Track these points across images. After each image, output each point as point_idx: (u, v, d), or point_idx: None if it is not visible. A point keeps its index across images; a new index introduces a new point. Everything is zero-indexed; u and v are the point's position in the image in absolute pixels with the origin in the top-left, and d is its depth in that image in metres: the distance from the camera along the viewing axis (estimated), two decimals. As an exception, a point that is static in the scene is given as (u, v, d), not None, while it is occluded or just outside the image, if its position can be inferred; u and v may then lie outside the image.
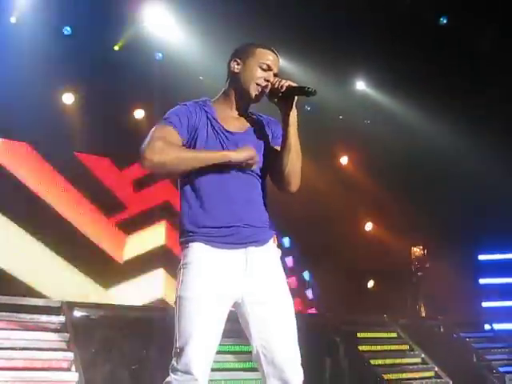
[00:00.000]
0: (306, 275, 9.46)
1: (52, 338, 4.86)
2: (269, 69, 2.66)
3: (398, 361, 6.33)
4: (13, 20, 6.81)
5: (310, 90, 2.53)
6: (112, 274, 7.70)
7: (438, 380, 6.18)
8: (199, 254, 2.52)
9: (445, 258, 9.24)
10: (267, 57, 2.68)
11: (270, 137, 2.72)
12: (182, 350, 2.44)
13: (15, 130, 7.07)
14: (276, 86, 2.58)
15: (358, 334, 6.45)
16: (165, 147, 2.47)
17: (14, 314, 4.85)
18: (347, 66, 8.51)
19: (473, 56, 7.99)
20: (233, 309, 2.58)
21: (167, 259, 7.84)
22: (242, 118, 2.72)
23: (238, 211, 2.55)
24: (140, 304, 7.55)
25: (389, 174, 9.07)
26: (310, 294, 9.46)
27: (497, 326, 8.24)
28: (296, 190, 2.68)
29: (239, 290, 2.53)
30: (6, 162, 7.24)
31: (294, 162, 2.61)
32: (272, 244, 2.66)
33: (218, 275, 2.50)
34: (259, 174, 2.66)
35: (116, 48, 7.35)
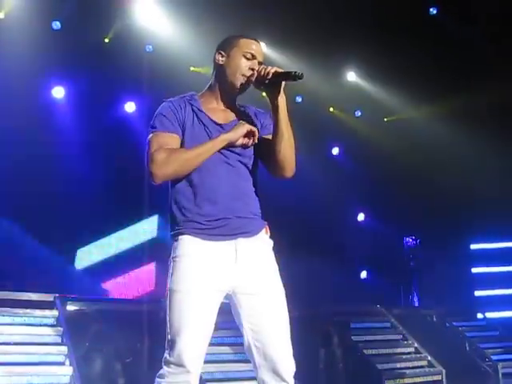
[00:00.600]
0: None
1: (46, 332, 4.86)
2: (253, 57, 2.67)
3: (391, 350, 6.37)
4: (1, 15, 6.75)
5: (296, 73, 2.53)
6: (104, 267, 7.68)
7: (432, 369, 6.22)
8: (189, 246, 2.52)
9: (437, 247, 9.28)
10: (251, 46, 2.69)
11: (258, 127, 2.71)
12: (173, 342, 2.45)
13: (4, 125, 7.02)
14: (262, 73, 2.58)
15: (352, 325, 6.48)
16: (167, 157, 2.49)
17: (8, 309, 4.84)
18: (338, 57, 8.51)
19: (464, 46, 7.99)
20: (226, 301, 2.58)
21: (159, 252, 7.84)
22: (229, 110, 2.72)
23: (226, 203, 2.55)
24: (132, 297, 7.56)
25: (381, 165, 9.09)
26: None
27: (489, 315, 8.29)
28: (292, 174, 2.68)
29: (230, 282, 2.53)
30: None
31: (286, 147, 2.61)
32: (263, 235, 2.65)
33: (208, 267, 2.50)
34: (250, 164, 2.66)
35: (106, 40, 7.31)
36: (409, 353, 6.44)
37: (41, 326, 4.91)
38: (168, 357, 2.46)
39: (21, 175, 6.79)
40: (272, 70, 2.57)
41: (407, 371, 6.05)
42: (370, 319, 6.79)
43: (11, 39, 6.60)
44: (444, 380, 6.06)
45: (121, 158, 7.24)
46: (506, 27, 7.64)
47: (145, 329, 4.97)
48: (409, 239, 10.06)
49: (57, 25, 6.98)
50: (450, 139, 8.47)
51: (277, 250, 2.67)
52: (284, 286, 2.61)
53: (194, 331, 2.45)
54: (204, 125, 2.61)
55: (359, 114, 9.56)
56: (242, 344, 2.57)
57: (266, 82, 2.58)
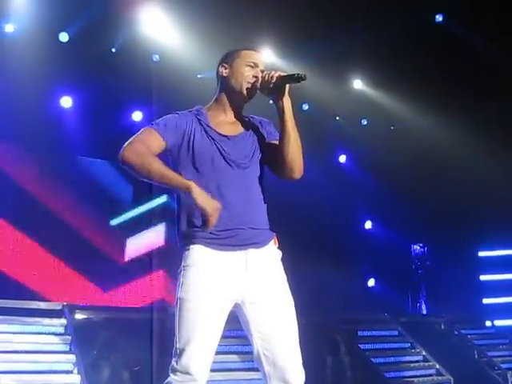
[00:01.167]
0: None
1: (54, 340, 4.90)
2: (256, 66, 2.72)
3: (399, 359, 6.37)
4: (9, 27, 6.82)
5: (299, 75, 2.57)
6: (112, 276, 7.70)
7: (440, 377, 6.20)
8: (199, 256, 2.54)
9: (445, 255, 9.26)
10: (253, 56, 2.75)
11: (265, 135, 2.75)
12: (181, 350, 2.46)
13: (14, 134, 7.08)
14: (266, 78, 2.63)
15: (359, 333, 6.48)
16: (141, 152, 2.54)
17: (16, 318, 4.88)
18: (344, 65, 8.52)
19: (471, 53, 7.99)
20: (233, 309, 2.59)
21: (168, 261, 7.85)
22: (236, 122, 2.75)
23: (237, 213, 2.57)
24: (141, 306, 7.57)
25: (388, 172, 9.07)
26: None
27: (498, 323, 8.27)
28: (300, 175, 2.70)
29: (239, 292, 2.54)
30: (5, 166, 7.24)
31: (294, 149, 2.64)
32: (273, 245, 2.67)
33: (218, 277, 2.52)
34: (258, 173, 2.69)
35: (113, 50, 7.35)
36: (417, 361, 6.43)
37: (49, 334, 4.95)
38: (175, 365, 2.47)
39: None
40: (276, 74, 2.62)
41: (415, 380, 6.05)
42: (377, 327, 6.79)
43: (20, 50, 6.65)
44: (452, 388, 6.04)
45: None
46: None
47: (153, 337, 4.98)
48: (416, 247, 10.05)
49: (64, 36, 7.03)
50: (458, 147, 8.46)
51: (284, 258, 2.69)
52: (292, 294, 2.62)
53: (202, 340, 2.46)
54: (213, 139, 2.64)
55: (366, 121, 9.55)
56: (248, 352, 2.59)
57: (271, 86, 2.62)
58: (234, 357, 5.18)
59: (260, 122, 2.81)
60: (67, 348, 4.86)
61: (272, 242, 2.66)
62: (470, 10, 7.59)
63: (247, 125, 2.76)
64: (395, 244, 9.53)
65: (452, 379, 6.12)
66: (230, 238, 2.55)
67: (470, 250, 9.43)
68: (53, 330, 5.00)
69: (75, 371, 4.61)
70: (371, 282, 9.93)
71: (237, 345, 5.15)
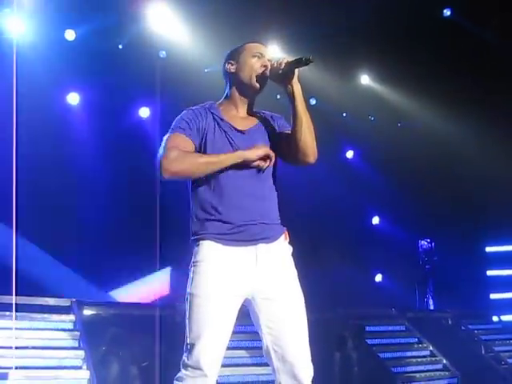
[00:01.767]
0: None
1: (63, 336, 4.93)
2: (262, 56, 2.73)
3: (406, 354, 6.37)
4: (17, 26, 6.82)
5: (307, 58, 2.58)
6: (121, 272, 7.72)
7: (447, 372, 6.21)
8: (210, 252, 2.55)
9: (452, 250, 9.25)
10: (258, 47, 2.76)
11: (276, 129, 2.76)
12: (192, 346, 2.48)
13: (21, 131, 7.10)
14: (275, 65, 2.64)
15: (367, 328, 6.48)
16: (180, 156, 2.53)
17: (25, 314, 4.90)
18: (351, 60, 8.51)
19: (479, 48, 7.95)
20: (244, 304, 2.61)
21: (176, 257, 7.87)
22: (248, 117, 2.76)
23: (247, 209, 2.58)
24: (149, 302, 7.60)
25: (395, 168, 9.07)
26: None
27: (505, 318, 8.26)
28: (314, 160, 2.70)
29: (250, 287, 2.56)
30: (11, 163, 7.26)
31: (307, 134, 2.64)
32: (283, 240, 2.67)
33: (229, 273, 2.53)
34: (271, 168, 2.69)
35: (120, 46, 7.37)
36: (424, 356, 6.43)
37: (58, 330, 4.98)
38: (186, 360, 2.49)
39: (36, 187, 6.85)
40: (284, 60, 2.63)
41: (422, 374, 6.05)
42: (385, 322, 6.79)
43: (27, 48, 6.67)
44: (459, 383, 6.04)
45: (135, 161, 7.28)
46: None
47: (161, 333, 5.00)
48: (424, 242, 10.04)
49: (71, 33, 7.05)
50: (465, 142, 8.45)
51: (293, 253, 2.70)
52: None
53: (212, 336, 2.49)
54: (225, 132, 2.65)
55: (373, 117, 9.54)
56: (257, 348, 2.60)
57: (280, 72, 2.63)
58: (243, 352, 5.20)
59: (271, 117, 2.82)
60: (76, 344, 4.88)
61: (283, 236, 2.67)
62: (478, 4, 7.56)
63: (259, 119, 2.77)
64: (402, 239, 9.54)
65: (459, 374, 6.12)
66: (240, 233, 2.56)
67: (477, 245, 9.42)
68: (61, 326, 5.03)
69: (84, 367, 4.64)
70: (378, 278, 9.94)
71: (245, 340, 5.16)
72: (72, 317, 5.08)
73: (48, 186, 7.03)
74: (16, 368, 4.39)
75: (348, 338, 6.04)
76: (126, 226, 7.51)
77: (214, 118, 2.67)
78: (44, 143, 7.08)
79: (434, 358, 6.38)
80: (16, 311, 4.85)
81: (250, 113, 2.78)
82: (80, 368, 4.65)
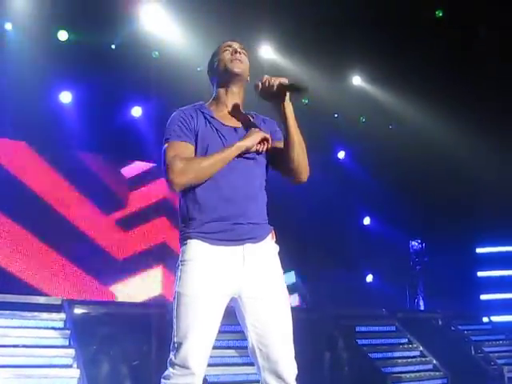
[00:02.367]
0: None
1: (53, 335, 4.92)
2: (230, 47, 2.78)
3: (396, 354, 6.39)
4: (8, 26, 6.83)
5: (301, 86, 2.56)
6: (111, 271, 7.73)
7: (437, 373, 6.24)
8: (197, 251, 2.56)
9: (443, 251, 9.28)
10: (226, 43, 2.81)
11: (268, 131, 2.76)
12: (179, 344, 2.49)
13: (13, 129, 7.10)
14: (267, 84, 2.62)
15: (357, 328, 6.51)
16: (184, 166, 2.55)
17: (16, 312, 4.90)
18: (343, 61, 8.52)
19: (470, 48, 7.97)
20: (230, 303, 2.62)
21: (166, 256, 7.88)
22: (238, 115, 2.77)
23: (236, 208, 2.58)
24: (140, 301, 7.60)
25: (386, 169, 9.10)
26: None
27: (495, 319, 8.29)
28: (307, 177, 2.75)
29: (236, 286, 2.56)
30: (4, 161, 7.27)
31: (299, 153, 2.67)
32: (270, 240, 2.68)
33: (216, 272, 2.54)
34: (262, 166, 2.72)
35: (113, 46, 7.36)
36: (414, 356, 6.46)
37: (48, 328, 4.97)
38: (173, 358, 2.50)
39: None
40: (276, 81, 2.60)
41: (412, 375, 6.07)
42: (375, 323, 6.81)
43: (19, 46, 6.67)
44: None
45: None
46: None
47: (151, 332, 5.01)
48: (415, 243, 10.08)
49: (64, 33, 7.04)
50: (456, 144, 8.47)
51: (282, 254, 2.71)
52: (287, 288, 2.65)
53: (200, 334, 2.49)
54: (217, 130, 2.66)
55: (364, 118, 9.56)
56: (246, 347, 2.60)
57: (272, 92, 2.61)
58: (232, 351, 5.20)
59: (263, 120, 2.83)
60: (66, 342, 4.88)
61: (269, 236, 2.68)
62: (470, 5, 7.57)
63: (250, 119, 2.79)
64: (393, 240, 9.56)
65: (449, 374, 6.15)
66: (228, 232, 2.56)
67: (467, 246, 9.45)
68: (52, 324, 5.03)
69: (74, 365, 4.63)
70: (369, 278, 9.96)
71: (234, 340, 5.17)
72: (63, 315, 5.08)
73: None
74: (5, 366, 4.39)
75: (338, 338, 6.07)
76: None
77: (204, 117, 2.69)
78: (36, 140, 7.10)
79: (424, 359, 6.41)
80: (6, 309, 4.86)
81: (240, 111, 2.79)
82: (70, 367, 4.65)
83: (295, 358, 2.59)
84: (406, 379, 5.97)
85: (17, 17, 6.72)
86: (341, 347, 6.03)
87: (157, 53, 7.55)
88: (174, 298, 2.55)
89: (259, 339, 2.56)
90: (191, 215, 2.59)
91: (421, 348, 6.50)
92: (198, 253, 2.55)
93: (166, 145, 2.64)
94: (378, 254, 9.34)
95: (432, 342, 6.64)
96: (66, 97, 7.59)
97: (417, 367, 6.29)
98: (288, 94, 2.60)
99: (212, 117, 2.69)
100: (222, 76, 2.76)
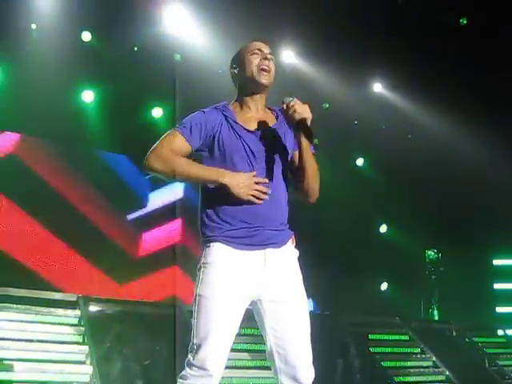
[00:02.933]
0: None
1: (68, 331, 4.97)
2: (260, 51, 2.75)
3: (409, 363, 6.36)
4: (33, 26, 6.91)
5: (311, 138, 2.61)
6: (127, 269, 7.77)
7: (449, 384, 6.19)
8: (220, 254, 2.58)
9: (459, 261, 9.21)
10: (254, 45, 2.78)
11: (288, 132, 2.75)
12: (198, 346, 2.50)
13: (35, 127, 7.17)
14: (290, 112, 2.62)
15: (370, 336, 6.49)
16: (168, 157, 2.60)
17: (32, 307, 4.95)
18: (365, 68, 8.50)
19: (494, 56, 7.90)
20: (249, 307, 2.63)
21: (182, 256, 7.90)
22: (262, 117, 2.76)
23: (259, 213, 2.60)
24: (154, 300, 7.62)
25: (404, 177, 9.05)
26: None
27: (510, 332, 8.21)
28: (314, 201, 2.78)
29: (257, 290, 2.58)
30: (26, 158, 7.34)
31: (311, 182, 2.70)
32: (290, 245, 2.70)
33: (237, 276, 2.55)
34: (283, 171, 2.71)
35: (135, 48, 7.42)
36: (427, 367, 6.42)
37: (63, 325, 5.02)
38: (192, 359, 2.52)
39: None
40: (298, 116, 2.59)
41: (424, 385, 6.04)
42: (388, 331, 6.78)
43: (44, 48, 6.75)
44: (462, 396, 6.03)
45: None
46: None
47: (165, 332, 5.03)
48: (431, 252, 10.01)
49: (87, 34, 7.11)
50: (475, 153, 8.41)
51: (300, 260, 2.72)
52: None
53: (219, 337, 2.51)
54: (237, 133, 2.66)
55: (384, 125, 9.52)
56: (259, 351, 2.62)
57: (289, 115, 2.63)
58: (245, 354, 5.19)
59: (283, 120, 2.79)
60: (80, 339, 4.92)
61: (290, 241, 2.70)
62: (495, 14, 7.51)
63: (273, 120, 2.78)
64: (409, 248, 9.51)
65: (461, 386, 6.11)
66: (250, 237, 2.58)
67: (484, 257, 9.38)
68: (67, 320, 5.06)
69: (88, 362, 4.68)
70: (384, 286, 9.92)
71: (247, 342, 5.17)
72: (77, 312, 5.12)
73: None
74: (20, 360, 4.43)
75: (351, 345, 6.05)
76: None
77: (226, 120, 2.69)
78: (58, 139, 7.17)
79: (436, 369, 6.36)
80: (22, 304, 4.91)
81: (263, 112, 2.79)
82: (84, 363, 4.69)
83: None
84: (419, 389, 5.94)
85: (41, 18, 6.79)
86: (353, 354, 6.01)
87: (179, 56, 7.59)
88: (195, 300, 2.57)
89: (278, 342, 2.57)
90: (215, 219, 2.61)
91: (434, 358, 6.46)
92: (221, 256, 2.57)
93: (172, 130, 2.68)
94: (394, 262, 9.29)
95: (445, 352, 6.60)
96: (88, 96, 7.66)
97: (429, 378, 6.26)
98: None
99: (234, 120, 2.69)
100: (248, 84, 2.75)
